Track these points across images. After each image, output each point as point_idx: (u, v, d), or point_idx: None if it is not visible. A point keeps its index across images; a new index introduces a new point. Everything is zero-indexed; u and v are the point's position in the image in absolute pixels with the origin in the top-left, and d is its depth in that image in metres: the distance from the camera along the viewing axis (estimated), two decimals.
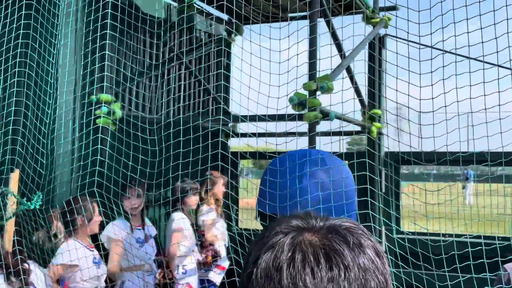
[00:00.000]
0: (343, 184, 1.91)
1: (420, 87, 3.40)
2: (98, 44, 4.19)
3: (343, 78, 4.26)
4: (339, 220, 0.86)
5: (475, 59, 3.69)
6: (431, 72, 3.43)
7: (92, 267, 3.78)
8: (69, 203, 3.73)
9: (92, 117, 4.19)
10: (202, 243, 5.08)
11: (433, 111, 3.33)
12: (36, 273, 3.11)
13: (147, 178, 4.45)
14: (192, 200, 4.92)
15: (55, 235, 3.68)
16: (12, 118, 3.65)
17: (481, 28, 3.27)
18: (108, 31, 4.19)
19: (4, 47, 3.72)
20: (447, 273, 3.23)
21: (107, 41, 4.21)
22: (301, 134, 5.04)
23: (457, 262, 3.32)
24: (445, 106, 3.28)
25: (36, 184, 3.52)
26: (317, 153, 1.99)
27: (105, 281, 3.98)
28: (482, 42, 3.28)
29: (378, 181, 4.96)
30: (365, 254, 0.78)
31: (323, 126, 4.38)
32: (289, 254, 0.77)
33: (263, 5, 5.34)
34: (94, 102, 4.24)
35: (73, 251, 3.65)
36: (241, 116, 4.81)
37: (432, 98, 3.31)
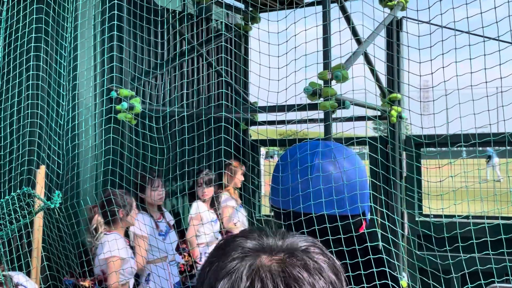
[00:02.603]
0: (352, 175, 1.91)
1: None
2: (114, 41, 4.26)
3: (363, 64, 4.23)
4: (296, 238, 0.84)
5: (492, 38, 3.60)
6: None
7: (131, 260, 3.91)
8: (109, 196, 3.83)
9: (111, 113, 4.28)
10: (220, 231, 5.17)
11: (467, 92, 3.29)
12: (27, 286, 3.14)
13: (169, 170, 4.55)
14: (207, 191, 4.98)
15: (96, 229, 3.81)
16: (29, 120, 3.76)
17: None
18: (123, 26, 4.26)
19: (18, 50, 3.82)
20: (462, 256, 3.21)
21: (123, 35, 4.29)
22: (321, 120, 5.04)
23: (475, 245, 3.28)
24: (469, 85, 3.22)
25: (54, 183, 3.64)
26: (325, 145, 1.99)
27: None
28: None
29: (398, 165, 4.94)
30: (324, 278, 0.77)
31: (344, 111, 4.36)
32: (248, 283, 0.74)
33: None
34: (114, 98, 4.33)
35: (119, 243, 3.77)
36: (259, 107, 4.84)
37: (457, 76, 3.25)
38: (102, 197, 3.84)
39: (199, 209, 4.87)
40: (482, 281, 2.87)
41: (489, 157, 14.27)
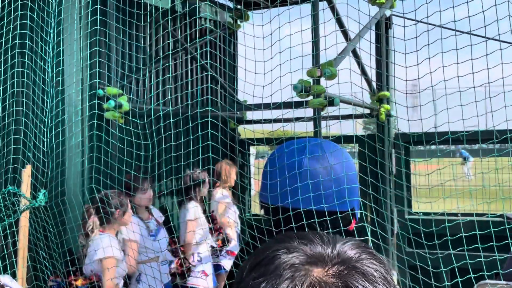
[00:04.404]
0: (340, 170, 1.90)
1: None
2: (100, 36, 4.21)
3: (349, 61, 4.21)
4: (344, 245, 0.75)
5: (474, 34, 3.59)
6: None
7: (123, 262, 3.87)
8: (106, 196, 3.79)
9: (97, 110, 4.23)
10: (214, 227, 5.15)
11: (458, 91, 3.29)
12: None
13: (157, 169, 4.51)
14: (205, 188, 5.01)
15: (92, 230, 3.77)
16: (14, 118, 3.71)
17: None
18: (113, 23, 4.22)
19: (2, 47, 3.76)
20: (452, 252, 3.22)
21: (113, 33, 4.25)
22: (309, 119, 5.04)
23: (464, 242, 3.29)
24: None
25: (39, 182, 3.59)
26: (314, 142, 1.99)
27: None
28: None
29: (388, 162, 4.95)
30: (385, 285, 0.71)
31: (333, 109, 4.35)
32: None
33: None
34: (101, 96, 4.27)
35: (113, 243, 3.74)
36: (247, 104, 4.82)
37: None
38: (97, 197, 3.79)
39: (196, 208, 4.83)
40: (471, 274, 2.88)
41: (465, 159, 14.30)
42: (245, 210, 6.05)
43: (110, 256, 3.67)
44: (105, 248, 3.66)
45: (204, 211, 4.97)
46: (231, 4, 6.03)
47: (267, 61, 3.68)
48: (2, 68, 3.76)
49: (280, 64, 3.69)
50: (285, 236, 0.78)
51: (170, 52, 5.37)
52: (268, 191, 1.87)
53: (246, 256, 1.85)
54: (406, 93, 3.51)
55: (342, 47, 4.27)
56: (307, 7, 4.24)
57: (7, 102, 3.70)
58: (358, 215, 1.93)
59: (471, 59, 2.75)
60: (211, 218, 5.16)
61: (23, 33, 3.74)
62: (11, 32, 3.70)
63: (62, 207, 3.76)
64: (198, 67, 5.71)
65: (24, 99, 3.74)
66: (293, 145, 1.95)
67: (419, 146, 5.13)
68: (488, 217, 4.39)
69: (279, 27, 3.74)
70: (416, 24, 3.53)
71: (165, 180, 5.11)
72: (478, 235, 3.07)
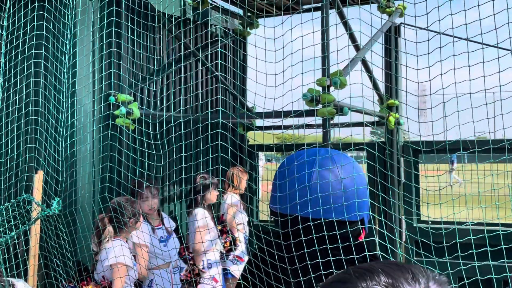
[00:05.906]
0: (351, 182, 1.93)
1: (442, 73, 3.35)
2: (113, 46, 4.27)
3: (361, 70, 4.23)
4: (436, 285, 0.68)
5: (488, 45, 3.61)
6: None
7: (134, 268, 3.91)
8: (119, 205, 3.82)
9: (109, 119, 4.29)
10: (222, 229, 5.16)
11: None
12: None
13: (167, 176, 4.54)
14: (213, 194, 5.02)
15: (108, 240, 3.79)
16: (30, 127, 3.76)
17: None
18: (122, 32, 4.27)
19: (19, 57, 3.82)
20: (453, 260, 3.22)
21: (122, 42, 4.30)
22: (319, 126, 5.06)
23: (474, 249, 3.29)
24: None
25: (54, 190, 3.63)
26: (326, 152, 2.01)
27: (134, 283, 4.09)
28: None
29: (395, 171, 4.95)
30: None
31: (342, 117, 4.36)
32: None
33: None
34: (112, 103, 4.33)
35: (124, 250, 3.77)
36: (256, 113, 4.86)
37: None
38: (110, 206, 3.82)
39: (205, 216, 4.84)
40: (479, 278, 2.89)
41: (452, 162, 13.61)
42: (253, 214, 6.07)
43: (121, 263, 3.71)
44: (117, 255, 3.70)
45: (213, 218, 4.99)
46: (240, 12, 6.07)
47: (277, 73, 3.70)
48: (19, 77, 3.82)
49: (290, 66, 3.70)
50: (364, 269, 0.68)
51: (182, 62, 5.42)
52: (278, 203, 1.89)
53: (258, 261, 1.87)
54: (418, 95, 3.53)
55: (348, 53, 4.29)
56: (316, 15, 4.26)
57: (23, 111, 3.76)
58: (367, 227, 1.95)
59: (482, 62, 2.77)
60: (220, 220, 5.19)
61: (39, 43, 3.80)
62: (27, 42, 3.76)
63: (75, 215, 3.80)
64: (210, 73, 5.76)
65: (40, 108, 3.80)
66: (303, 156, 1.97)
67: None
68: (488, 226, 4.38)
69: (283, 35, 3.77)
70: (416, 30, 3.56)
71: (176, 186, 5.15)
72: (488, 244, 3.08)
